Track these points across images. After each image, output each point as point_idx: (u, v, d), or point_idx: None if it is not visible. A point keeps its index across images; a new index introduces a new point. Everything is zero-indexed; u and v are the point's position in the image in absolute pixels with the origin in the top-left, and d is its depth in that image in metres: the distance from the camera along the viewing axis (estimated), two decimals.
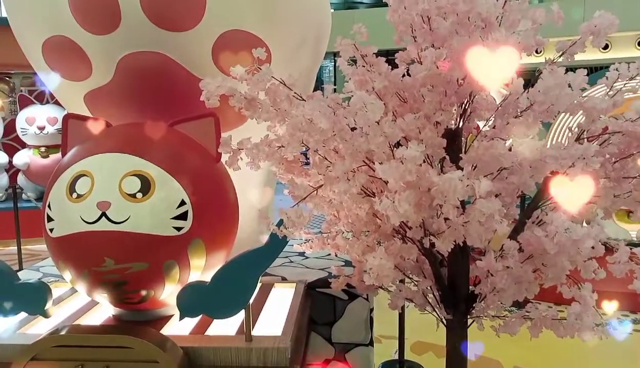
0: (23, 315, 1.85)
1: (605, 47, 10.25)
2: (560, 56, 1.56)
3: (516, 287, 1.60)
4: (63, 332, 1.69)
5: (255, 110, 1.69)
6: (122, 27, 1.91)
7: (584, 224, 1.56)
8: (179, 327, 1.84)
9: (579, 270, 1.56)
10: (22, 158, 6.80)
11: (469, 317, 1.75)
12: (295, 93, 1.67)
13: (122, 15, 1.88)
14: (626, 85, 1.61)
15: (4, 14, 2.23)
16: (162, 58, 1.98)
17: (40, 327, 1.89)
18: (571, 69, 1.54)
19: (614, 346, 3.74)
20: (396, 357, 3.55)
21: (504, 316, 1.71)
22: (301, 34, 2.25)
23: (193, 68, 2.01)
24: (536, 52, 1.61)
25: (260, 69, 1.64)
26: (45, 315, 1.80)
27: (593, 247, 1.45)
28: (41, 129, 6.71)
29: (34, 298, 1.78)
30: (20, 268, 4.66)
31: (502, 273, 1.55)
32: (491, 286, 1.59)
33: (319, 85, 2.49)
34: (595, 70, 3.51)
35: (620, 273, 1.54)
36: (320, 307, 2.39)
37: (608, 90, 1.61)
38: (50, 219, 1.77)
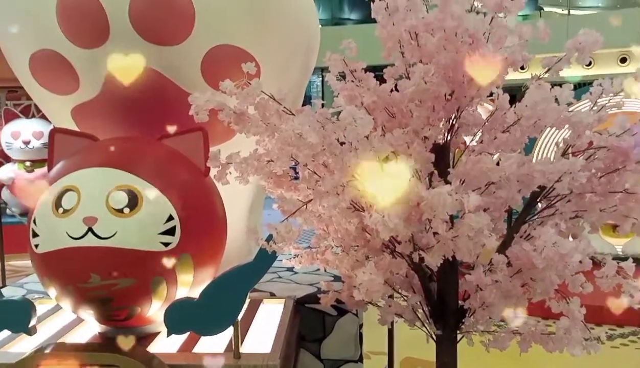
0: (6, 333, 1.81)
1: (589, 64, 10.43)
2: (546, 72, 1.59)
3: (505, 301, 1.60)
4: (48, 350, 1.66)
5: (244, 125, 1.69)
6: (110, 40, 1.90)
7: (571, 238, 1.58)
8: (166, 344, 1.81)
9: (566, 284, 1.57)
10: (6, 172, 6.72)
11: (458, 332, 1.75)
12: (284, 107, 1.67)
13: (111, 29, 1.88)
14: (610, 100, 1.64)
15: None
16: (150, 72, 1.97)
17: (24, 345, 1.85)
18: (556, 85, 1.56)
19: (603, 360, 3.75)
20: None
21: (493, 331, 1.71)
22: (290, 49, 2.26)
23: (182, 82, 2.00)
24: (521, 68, 1.63)
25: (250, 84, 1.64)
26: (29, 332, 1.76)
27: (581, 261, 1.46)
28: (26, 143, 6.65)
29: (18, 316, 1.74)
30: (4, 285, 4.58)
31: (491, 288, 1.55)
32: (480, 301, 1.59)
33: (307, 100, 2.50)
34: (580, 87, 3.56)
35: (608, 287, 1.55)
36: (309, 323, 2.37)
37: (592, 105, 1.63)
38: (35, 235, 1.74)
